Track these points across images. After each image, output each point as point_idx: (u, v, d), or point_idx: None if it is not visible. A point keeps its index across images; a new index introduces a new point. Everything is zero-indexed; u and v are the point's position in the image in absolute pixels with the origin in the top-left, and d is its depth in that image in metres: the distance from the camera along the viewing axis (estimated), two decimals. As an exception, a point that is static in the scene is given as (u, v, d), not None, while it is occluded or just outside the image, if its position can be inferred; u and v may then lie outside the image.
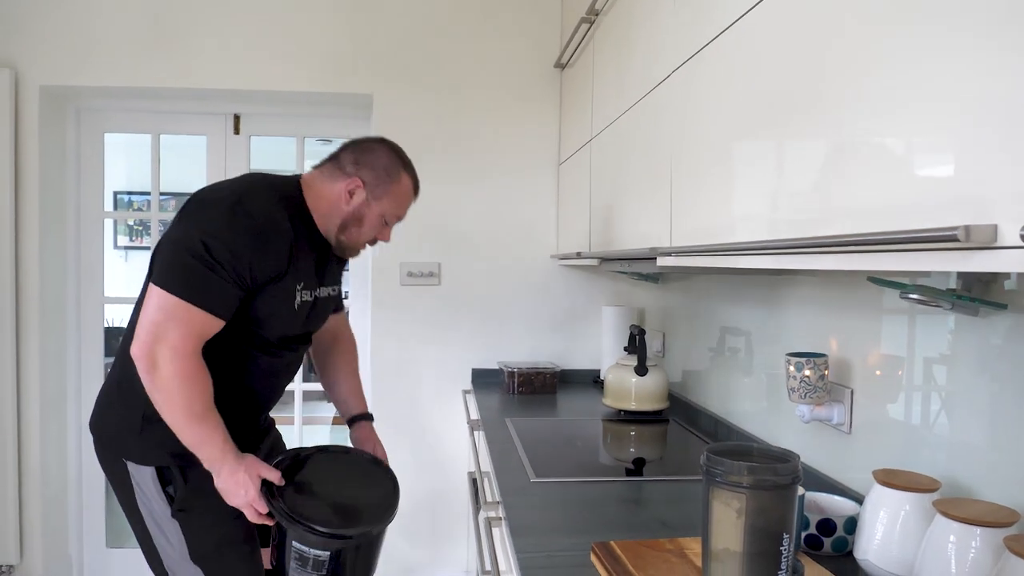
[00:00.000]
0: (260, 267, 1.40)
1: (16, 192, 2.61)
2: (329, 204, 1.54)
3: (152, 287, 1.36)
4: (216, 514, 1.48)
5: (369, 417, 1.83)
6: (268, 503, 1.41)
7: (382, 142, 1.59)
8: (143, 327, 1.35)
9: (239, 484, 1.40)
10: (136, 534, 1.54)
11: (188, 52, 2.67)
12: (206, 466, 1.40)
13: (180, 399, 1.35)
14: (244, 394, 1.55)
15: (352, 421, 1.81)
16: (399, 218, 1.61)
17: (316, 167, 1.59)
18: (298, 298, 1.51)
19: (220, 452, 1.39)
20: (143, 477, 1.47)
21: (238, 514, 1.47)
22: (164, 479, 1.47)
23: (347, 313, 1.86)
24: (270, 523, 1.44)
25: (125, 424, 1.48)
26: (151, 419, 1.42)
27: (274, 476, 1.43)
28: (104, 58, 2.64)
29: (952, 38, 0.66)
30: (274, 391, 1.65)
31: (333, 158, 1.58)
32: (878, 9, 0.77)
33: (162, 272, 1.36)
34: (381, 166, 1.54)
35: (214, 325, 1.39)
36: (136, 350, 1.35)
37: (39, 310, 2.65)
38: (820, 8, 0.89)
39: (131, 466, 1.48)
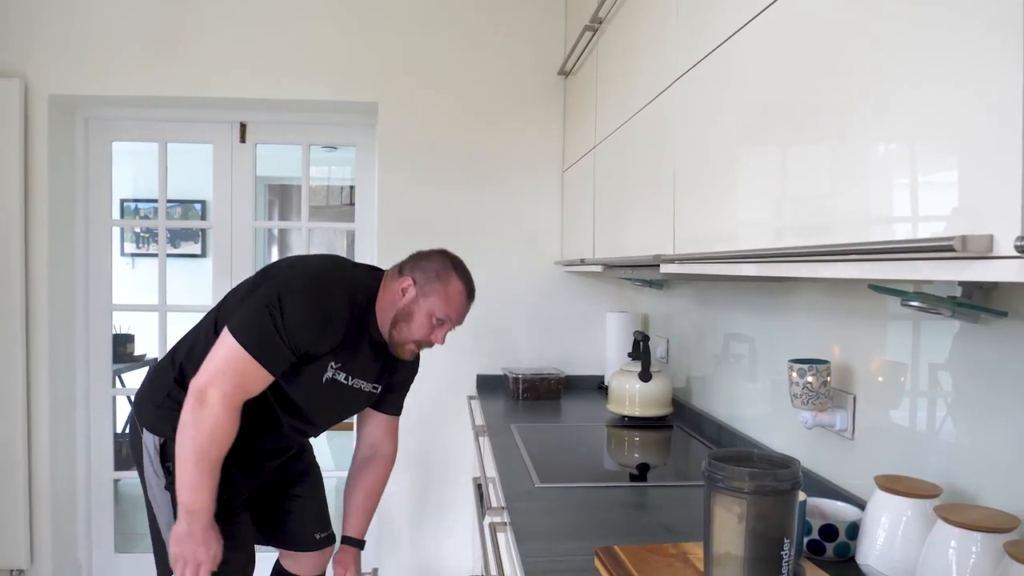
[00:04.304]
0: (315, 346, 1.54)
1: (25, 200, 2.63)
2: (388, 302, 1.63)
3: (227, 334, 1.50)
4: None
5: (358, 544, 1.89)
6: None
7: (441, 252, 1.69)
8: (211, 363, 1.49)
9: (207, 541, 1.50)
10: (144, 499, 1.68)
11: (195, 61, 2.70)
12: (183, 511, 1.49)
13: (205, 440, 1.46)
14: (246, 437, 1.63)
15: (343, 539, 1.88)
16: (451, 319, 1.64)
17: (391, 269, 1.71)
18: (328, 373, 1.61)
19: (206, 504, 1.49)
20: (150, 445, 1.63)
21: (225, 498, 1.58)
22: (164, 454, 1.60)
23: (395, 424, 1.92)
24: None
25: (150, 396, 1.65)
26: (171, 398, 1.60)
27: (219, 557, 1.54)
28: (112, 68, 2.67)
29: (951, 53, 0.67)
30: (270, 444, 1.72)
31: (401, 264, 1.69)
32: (879, 22, 0.79)
33: (241, 325, 1.50)
34: (432, 268, 1.63)
35: (261, 380, 1.52)
36: (195, 382, 1.48)
37: (48, 317, 2.67)
38: (822, 20, 0.90)
39: (145, 433, 1.63)
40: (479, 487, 2.07)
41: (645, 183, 1.68)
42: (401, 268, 1.66)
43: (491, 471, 1.93)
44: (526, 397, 2.64)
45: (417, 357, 1.84)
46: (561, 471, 1.73)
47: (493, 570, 1.55)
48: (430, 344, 1.66)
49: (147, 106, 2.81)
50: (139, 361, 4.29)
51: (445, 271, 1.63)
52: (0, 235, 2.60)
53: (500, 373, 2.83)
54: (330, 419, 1.75)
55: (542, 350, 2.87)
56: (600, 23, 2.13)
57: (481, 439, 2.25)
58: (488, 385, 2.82)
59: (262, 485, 1.81)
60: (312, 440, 1.94)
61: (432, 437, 2.80)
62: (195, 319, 1.74)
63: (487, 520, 1.61)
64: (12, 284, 2.61)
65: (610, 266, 2.04)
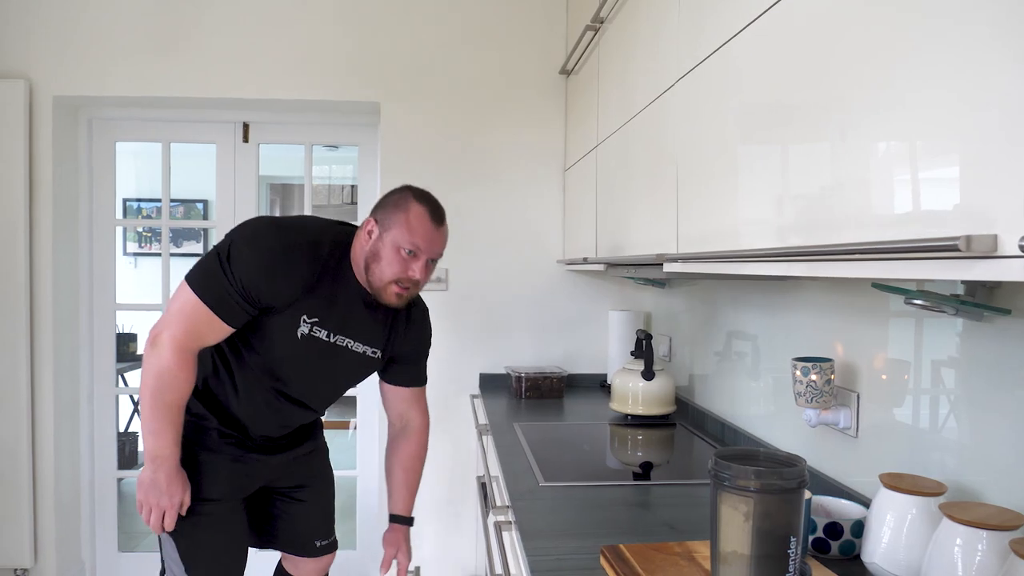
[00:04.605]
0: (267, 292, 1.49)
1: (30, 200, 2.64)
2: (359, 251, 1.58)
3: (183, 283, 1.50)
4: (195, 497, 1.58)
5: (405, 521, 1.85)
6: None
7: (403, 186, 1.62)
8: (167, 310, 1.50)
9: (171, 488, 1.50)
10: None
11: (198, 62, 2.70)
12: (148, 458, 1.49)
13: (156, 383, 1.47)
14: (237, 415, 1.63)
15: (390, 518, 1.86)
16: (419, 248, 1.53)
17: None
18: (303, 328, 1.55)
19: (169, 451, 1.49)
20: None
21: (218, 499, 1.61)
22: None
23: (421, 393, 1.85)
24: (159, 531, 1.55)
25: None
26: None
27: (185, 504, 1.54)
28: (116, 68, 2.68)
29: (954, 51, 0.68)
30: (265, 423, 1.67)
31: None
32: (883, 20, 0.79)
33: (194, 272, 1.49)
34: (391, 201, 1.57)
35: (217, 328, 1.49)
36: (152, 329, 1.50)
37: (52, 316, 2.68)
38: (825, 18, 0.91)
39: None
40: (483, 486, 2.08)
41: (648, 182, 1.69)
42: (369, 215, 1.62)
43: (495, 470, 1.94)
44: (529, 396, 2.65)
45: (426, 320, 1.79)
46: (565, 470, 1.74)
47: (499, 568, 1.56)
48: (410, 281, 1.54)
49: (150, 106, 2.82)
50: (141, 360, 4.29)
51: (403, 200, 1.56)
52: (5, 235, 2.61)
53: (503, 372, 2.84)
54: (323, 385, 1.68)
55: (544, 349, 2.87)
56: (601, 23, 2.13)
57: (484, 438, 2.26)
58: (491, 384, 2.83)
59: (269, 487, 1.79)
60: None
61: (435, 436, 2.79)
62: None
63: (492, 519, 1.62)
64: (17, 283, 2.62)
65: (613, 265, 2.04)
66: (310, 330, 1.56)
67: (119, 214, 2.95)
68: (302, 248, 1.52)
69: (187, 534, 1.59)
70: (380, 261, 1.54)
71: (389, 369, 1.78)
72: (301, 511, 1.85)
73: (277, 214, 5.95)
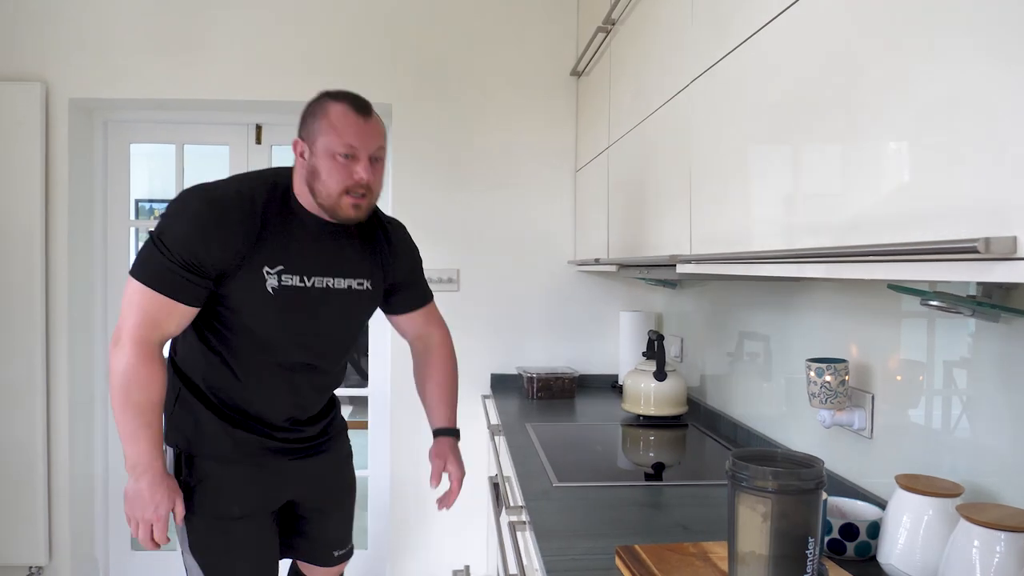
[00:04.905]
0: (208, 255, 1.38)
1: (46, 201, 2.67)
2: (298, 178, 1.49)
3: (128, 277, 1.42)
4: (215, 515, 1.52)
5: (450, 432, 1.74)
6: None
7: (316, 95, 1.51)
8: (121, 308, 1.41)
9: (155, 498, 1.40)
10: None
11: (211, 65, 2.72)
12: (128, 468, 1.39)
13: (122, 382, 1.37)
14: (249, 406, 1.54)
15: (434, 434, 1.75)
16: (353, 146, 1.42)
17: None
18: (271, 280, 1.44)
19: (148, 457, 1.39)
20: (167, 455, 1.55)
21: (240, 516, 1.53)
22: (177, 465, 1.52)
23: (428, 310, 1.77)
24: (153, 548, 1.44)
25: (167, 402, 1.53)
26: (181, 402, 1.53)
27: (179, 513, 1.45)
28: (130, 71, 2.70)
29: (971, 51, 0.68)
30: (281, 405, 1.56)
31: None
32: (898, 21, 0.79)
33: (135, 263, 1.41)
34: (309, 112, 1.48)
35: (174, 312, 1.40)
36: (114, 331, 1.42)
37: (67, 316, 2.70)
38: (840, 19, 0.91)
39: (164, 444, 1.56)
40: (495, 486, 2.08)
41: (661, 183, 1.69)
42: None
43: (508, 470, 1.95)
44: (540, 396, 2.65)
45: (407, 237, 1.71)
46: (578, 470, 1.74)
47: (513, 568, 1.57)
48: (360, 186, 1.43)
49: (164, 108, 2.84)
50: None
51: (320, 105, 1.46)
52: (22, 236, 2.63)
53: (514, 372, 2.85)
54: (323, 340, 1.56)
55: (556, 349, 2.88)
56: (613, 24, 2.14)
57: (497, 438, 2.27)
58: (502, 384, 2.84)
59: (296, 502, 1.68)
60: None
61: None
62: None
63: (506, 519, 1.63)
64: (33, 283, 2.64)
65: (625, 266, 2.05)
66: (280, 281, 1.45)
67: (132, 215, 2.97)
68: (231, 199, 1.42)
69: (213, 556, 1.52)
70: (320, 176, 1.43)
71: (391, 301, 1.71)
72: (322, 523, 1.76)
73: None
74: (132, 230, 2.98)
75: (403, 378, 2.78)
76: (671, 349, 2.63)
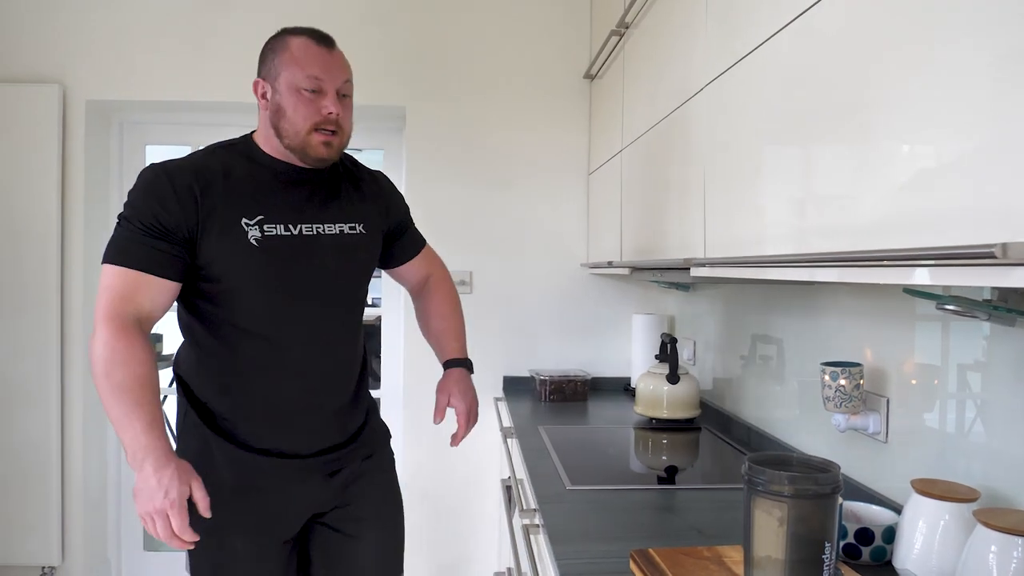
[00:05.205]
0: (169, 214, 1.29)
1: (63, 202, 2.69)
2: (262, 123, 1.40)
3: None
4: (219, 546, 1.36)
5: (459, 363, 1.61)
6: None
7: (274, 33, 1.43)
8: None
9: (161, 483, 1.17)
10: None
11: (227, 67, 2.74)
12: (129, 459, 1.21)
13: (102, 367, 1.23)
14: (260, 401, 1.39)
15: (444, 366, 1.63)
16: (318, 78, 1.35)
17: None
18: (251, 232, 1.33)
19: (145, 439, 1.19)
20: None
21: (244, 550, 1.37)
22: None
23: (423, 252, 1.71)
24: (184, 546, 1.21)
25: (177, 421, 1.46)
26: (188, 423, 1.41)
27: (201, 499, 1.22)
28: (146, 73, 2.72)
29: (985, 56, 0.67)
30: (295, 387, 1.40)
31: None
32: (912, 24, 0.79)
33: (106, 248, 1.32)
34: (267, 49, 1.41)
35: (143, 283, 1.28)
36: None
37: (83, 316, 2.73)
38: (853, 23, 0.91)
39: None
40: (507, 488, 2.09)
41: (674, 186, 1.69)
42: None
43: (521, 473, 1.95)
44: (552, 399, 2.65)
45: (388, 180, 1.63)
46: (591, 473, 1.74)
47: (526, 571, 1.57)
48: (329, 121, 1.35)
49: (180, 110, 2.86)
50: (168, 360, 4.35)
51: (280, 40, 1.39)
52: (38, 237, 2.66)
53: (526, 375, 2.85)
54: (316, 292, 1.40)
55: (568, 352, 2.88)
56: (627, 28, 2.14)
57: (509, 440, 2.27)
58: (514, 387, 2.84)
59: (318, 522, 1.49)
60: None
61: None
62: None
63: (519, 521, 1.63)
64: (48, 284, 2.67)
65: (638, 269, 2.05)
66: (262, 231, 1.34)
67: (148, 217, 2.99)
68: (185, 163, 1.34)
69: None
70: (286, 113, 1.34)
71: (392, 252, 1.64)
72: (362, 555, 1.51)
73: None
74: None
75: (415, 379, 2.79)
76: (684, 352, 2.63)
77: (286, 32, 1.40)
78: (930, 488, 1.09)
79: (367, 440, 1.55)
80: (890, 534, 1.18)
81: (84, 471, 2.76)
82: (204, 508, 1.22)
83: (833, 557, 0.91)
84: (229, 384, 1.40)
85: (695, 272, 1.47)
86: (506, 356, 2.85)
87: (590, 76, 2.77)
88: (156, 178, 1.31)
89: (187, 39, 2.74)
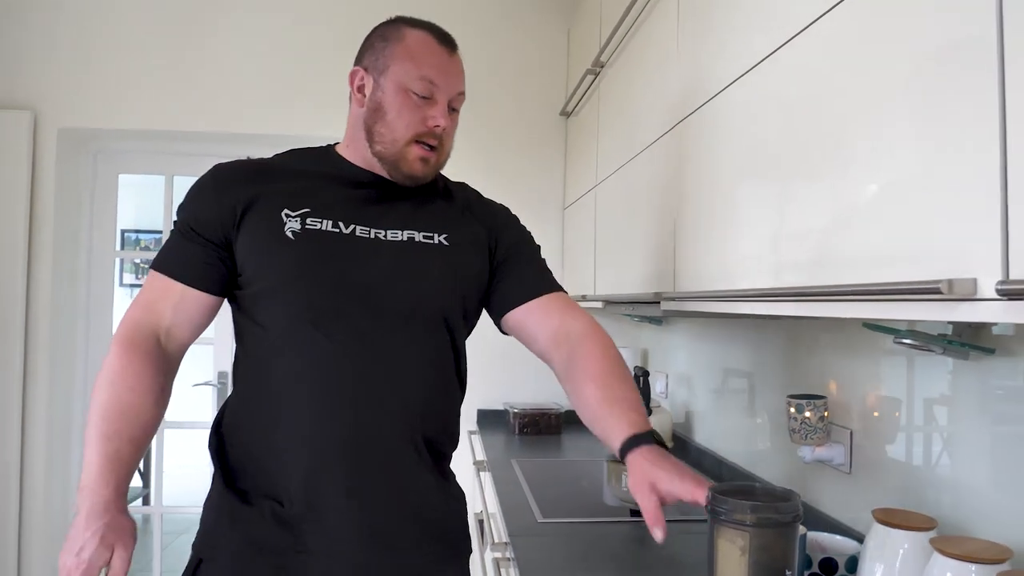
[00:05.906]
0: (207, 207, 1.12)
1: (30, 230, 2.68)
2: (353, 119, 1.21)
3: None
4: None
5: (646, 439, 1.09)
6: None
7: (386, 20, 1.24)
8: None
9: (82, 537, 0.98)
10: None
11: (204, 96, 2.76)
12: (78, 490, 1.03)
13: (95, 383, 1.08)
14: (291, 457, 1.08)
15: (622, 448, 1.09)
16: (435, 82, 1.15)
17: None
18: (292, 224, 1.10)
19: (94, 478, 1.00)
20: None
21: None
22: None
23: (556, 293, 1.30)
24: None
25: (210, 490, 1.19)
26: (213, 488, 1.16)
27: (118, 571, 0.99)
28: (122, 102, 2.73)
29: (936, 107, 0.72)
30: (334, 430, 1.07)
31: None
32: (869, 70, 0.84)
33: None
34: (378, 36, 1.20)
35: (169, 290, 1.11)
36: None
37: (48, 344, 2.69)
38: (818, 66, 0.95)
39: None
40: (480, 522, 2.08)
41: (646, 221, 1.73)
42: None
43: (492, 506, 1.95)
44: (526, 432, 2.66)
45: (499, 204, 1.39)
46: (563, 506, 1.75)
47: (496, 603, 1.56)
48: (433, 135, 1.17)
49: (155, 139, 2.87)
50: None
51: (394, 28, 1.18)
52: (4, 264, 2.63)
53: (500, 408, 2.85)
54: (367, 301, 1.10)
55: (542, 384, 2.89)
56: (602, 67, 2.20)
57: (482, 474, 2.27)
58: (488, 420, 2.84)
59: None
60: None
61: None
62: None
63: (490, 555, 1.63)
64: (14, 312, 2.64)
65: (611, 302, 2.08)
66: (303, 224, 1.10)
67: (118, 245, 2.97)
68: (246, 159, 1.21)
69: None
70: (386, 116, 1.15)
71: (500, 289, 1.27)
72: None
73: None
74: (117, 260, 2.99)
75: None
76: (656, 385, 2.65)
77: (402, 21, 1.19)
78: (890, 517, 1.12)
79: (454, 542, 1.19)
80: (853, 563, 1.20)
81: (45, 502, 2.69)
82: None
83: (795, 585, 0.93)
84: (274, 417, 1.09)
85: (665, 306, 1.50)
86: (480, 389, 2.85)
87: (566, 113, 2.83)
88: (203, 176, 1.17)
89: (165, 68, 2.76)
